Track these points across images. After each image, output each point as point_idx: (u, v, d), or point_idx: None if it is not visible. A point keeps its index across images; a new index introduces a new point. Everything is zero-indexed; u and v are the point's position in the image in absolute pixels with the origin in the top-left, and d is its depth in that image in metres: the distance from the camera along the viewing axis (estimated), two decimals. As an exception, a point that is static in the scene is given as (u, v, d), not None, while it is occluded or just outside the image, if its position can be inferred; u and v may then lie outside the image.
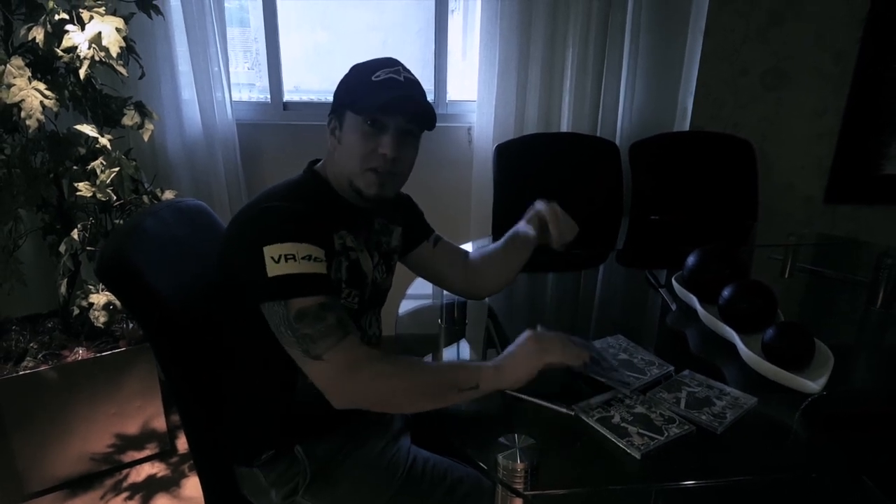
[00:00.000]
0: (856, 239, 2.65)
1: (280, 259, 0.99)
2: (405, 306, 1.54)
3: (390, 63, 1.13)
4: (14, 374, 1.89)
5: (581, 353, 1.07)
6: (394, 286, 1.56)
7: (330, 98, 1.18)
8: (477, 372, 1.03)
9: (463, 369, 1.06)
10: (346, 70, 1.17)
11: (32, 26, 1.71)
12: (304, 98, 2.61)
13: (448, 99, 2.58)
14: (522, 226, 1.38)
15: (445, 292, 1.45)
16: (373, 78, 1.10)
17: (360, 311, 1.20)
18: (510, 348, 1.07)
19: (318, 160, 1.22)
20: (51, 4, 1.72)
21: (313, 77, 2.67)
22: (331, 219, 1.12)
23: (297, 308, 1.00)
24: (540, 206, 1.36)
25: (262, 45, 2.47)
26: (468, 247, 1.88)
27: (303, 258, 1.01)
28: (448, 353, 1.36)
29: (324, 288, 1.03)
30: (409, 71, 1.14)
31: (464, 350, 1.36)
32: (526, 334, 1.07)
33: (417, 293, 1.60)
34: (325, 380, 1.01)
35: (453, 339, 1.41)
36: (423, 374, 1.05)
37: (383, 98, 1.08)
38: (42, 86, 1.70)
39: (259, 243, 1.00)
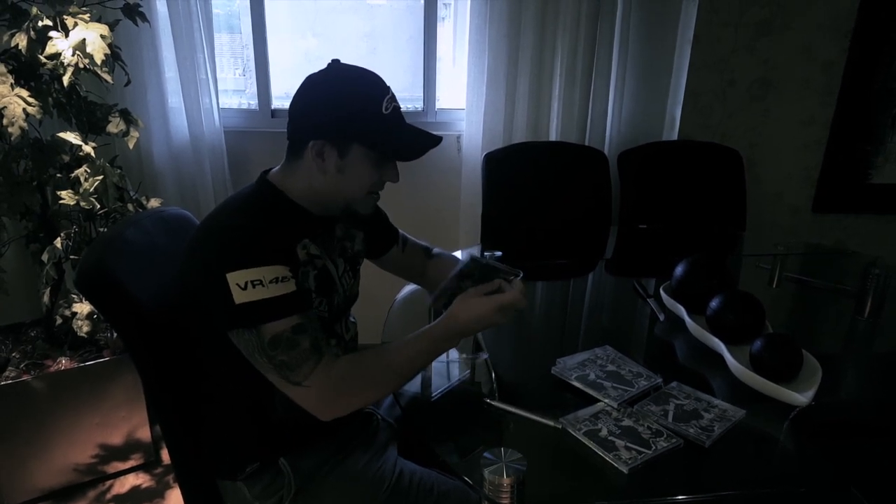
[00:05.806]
0: (843, 248, 2.67)
1: (247, 286, 0.97)
2: (394, 311, 1.53)
3: (382, 86, 1.09)
4: (-5, 384, 1.86)
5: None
6: (384, 293, 1.55)
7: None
8: (445, 344, 1.09)
9: (433, 348, 1.08)
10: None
11: (15, 32, 1.69)
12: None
13: (438, 107, 2.58)
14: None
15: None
16: (383, 111, 1.07)
17: (332, 318, 1.19)
18: (470, 317, 1.06)
19: (270, 169, 1.17)
20: (34, 11, 1.70)
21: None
22: (291, 230, 1.11)
23: (270, 334, 0.99)
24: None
25: (252, 52, 2.45)
26: (457, 255, 1.88)
27: (270, 282, 0.99)
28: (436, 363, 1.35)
29: (296, 307, 1.01)
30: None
31: (452, 353, 1.35)
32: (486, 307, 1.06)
33: (406, 299, 1.59)
34: (309, 403, 1.02)
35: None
36: (400, 370, 1.08)
37: (416, 146, 1.10)
38: (25, 92, 1.68)
39: (222, 269, 0.98)
